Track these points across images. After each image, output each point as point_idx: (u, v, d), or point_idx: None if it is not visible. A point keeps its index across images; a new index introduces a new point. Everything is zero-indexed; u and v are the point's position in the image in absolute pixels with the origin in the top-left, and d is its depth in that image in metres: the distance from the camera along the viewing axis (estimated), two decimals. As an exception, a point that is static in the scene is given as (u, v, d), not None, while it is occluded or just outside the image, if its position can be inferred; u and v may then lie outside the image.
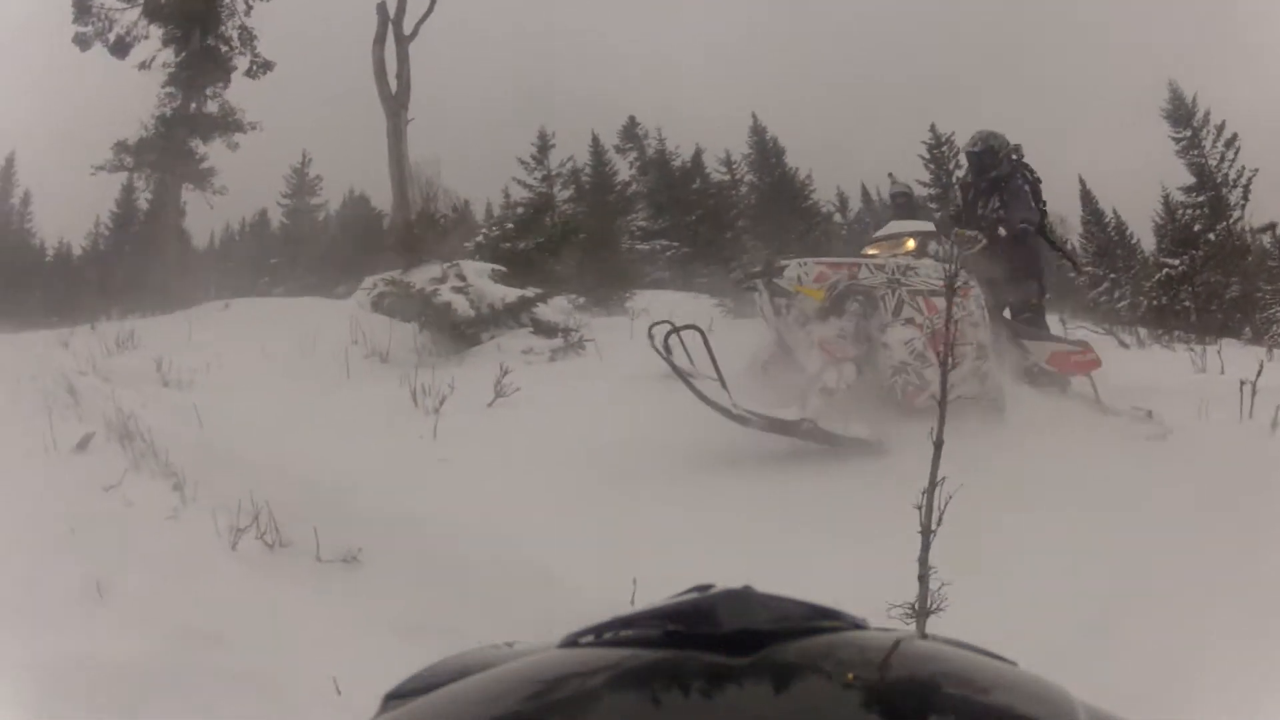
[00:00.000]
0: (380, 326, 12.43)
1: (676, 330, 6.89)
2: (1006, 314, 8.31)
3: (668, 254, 41.64)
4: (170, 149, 28.13)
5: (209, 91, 29.21)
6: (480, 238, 15.28)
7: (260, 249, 51.27)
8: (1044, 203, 8.71)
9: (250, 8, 29.77)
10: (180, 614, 4.05)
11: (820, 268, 6.93)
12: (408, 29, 24.26)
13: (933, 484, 3.37)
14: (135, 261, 38.03)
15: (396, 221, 21.18)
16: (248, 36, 29.81)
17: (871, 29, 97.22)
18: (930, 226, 7.85)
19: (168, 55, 29.47)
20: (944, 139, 45.78)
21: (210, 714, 3.41)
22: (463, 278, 12.39)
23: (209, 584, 4.50)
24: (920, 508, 3.36)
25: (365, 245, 46.77)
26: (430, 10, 24.45)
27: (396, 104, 23.48)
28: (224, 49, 29.57)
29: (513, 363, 10.37)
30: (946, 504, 3.38)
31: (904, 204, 8.66)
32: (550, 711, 0.74)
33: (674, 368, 6.64)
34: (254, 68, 29.88)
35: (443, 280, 12.36)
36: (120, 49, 29.03)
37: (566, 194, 48.05)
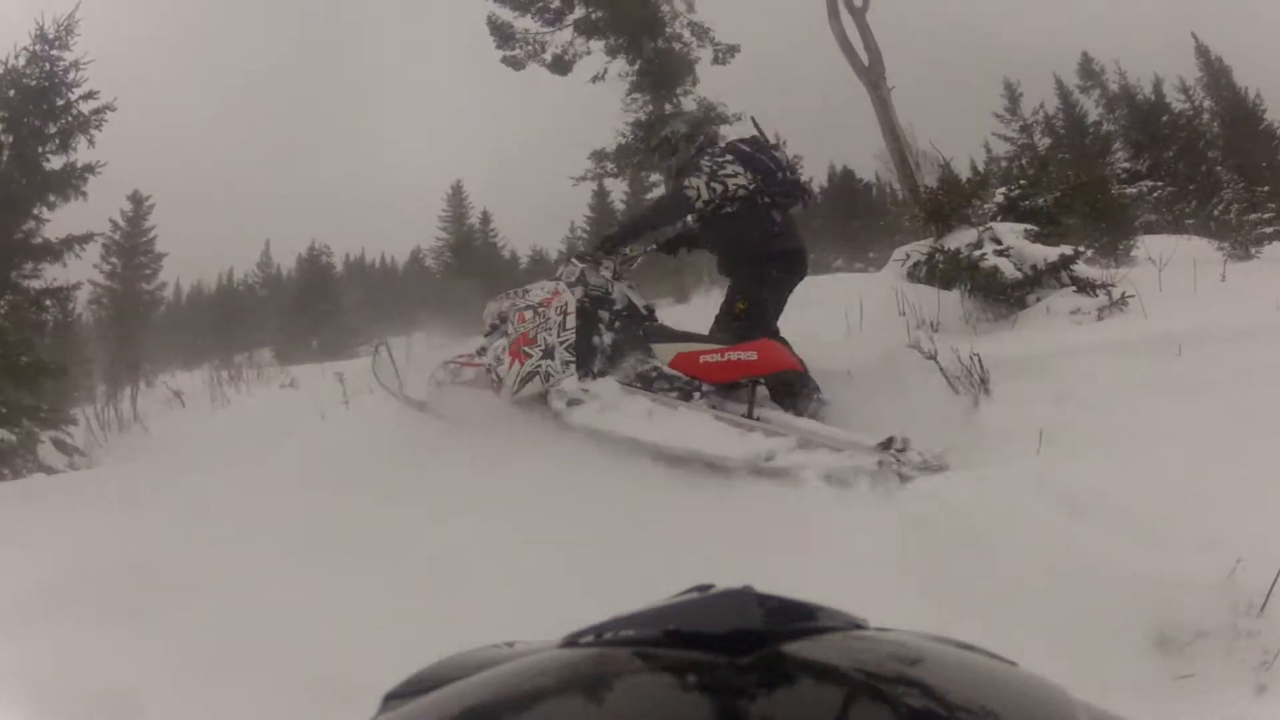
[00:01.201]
0: (920, 295, 12.46)
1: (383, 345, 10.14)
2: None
3: (1154, 195, 39.18)
4: (654, 150, 28.91)
5: (679, 90, 30.28)
6: (1000, 197, 14.97)
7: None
8: (773, 170, 8.00)
9: (692, 5, 30.74)
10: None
11: (492, 303, 8.39)
12: (857, 1, 24.16)
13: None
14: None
15: (908, 190, 21.07)
16: (700, 30, 30.75)
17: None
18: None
19: (617, 65, 31.13)
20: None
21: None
22: (998, 240, 12.23)
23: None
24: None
25: (857, 219, 47.41)
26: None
27: (873, 75, 23.42)
28: (678, 46, 30.66)
29: (1061, 324, 10.17)
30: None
31: None
32: (550, 711, 0.76)
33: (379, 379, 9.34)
34: (719, 55, 30.76)
35: (979, 245, 12.31)
36: (560, 67, 30.95)
37: (1046, 142, 45.54)
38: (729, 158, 7.82)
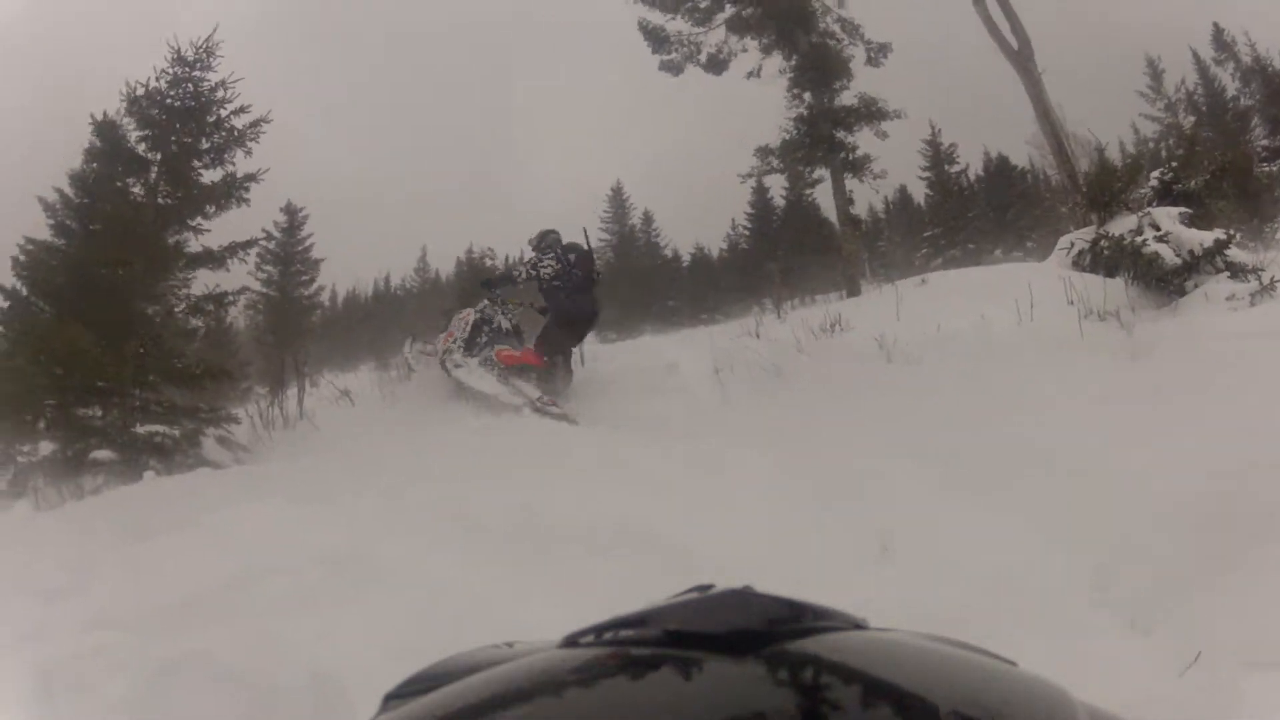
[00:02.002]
0: (1087, 284, 12.43)
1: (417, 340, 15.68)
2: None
3: (1292, 172, 37.09)
4: (818, 144, 29.46)
5: (837, 85, 30.00)
6: (1154, 181, 14.74)
7: (909, 223, 52.12)
8: (569, 266, 13.68)
9: (841, 2, 30.59)
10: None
11: (453, 317, 14.88)
12: None
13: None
14: (792, 252, 40.58)
15: (1064, 178, 20.82)
16: (850, 27, 30.60)
17: None
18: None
19: (773, 62, 31.00)
20: None
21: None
22: (1157, 226, 12.36)
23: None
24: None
25: (1013, 206, 46.54)
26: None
27: (1023, 58, 23.05)
28: (831, 43, 30.42)
29: (1218, 310, 10.36)
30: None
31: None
32: (550, 711, 0.77)
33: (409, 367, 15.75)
34: (871, 55, 30.67)
35: (1139, 231, 12.41)
36: (716, 66, 31.20)
37: (1190, 120, 43.87)
38: (551, 255, 13.77)
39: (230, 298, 15.56)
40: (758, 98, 31.71)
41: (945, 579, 5.21)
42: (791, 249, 45.75)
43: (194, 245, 15.27)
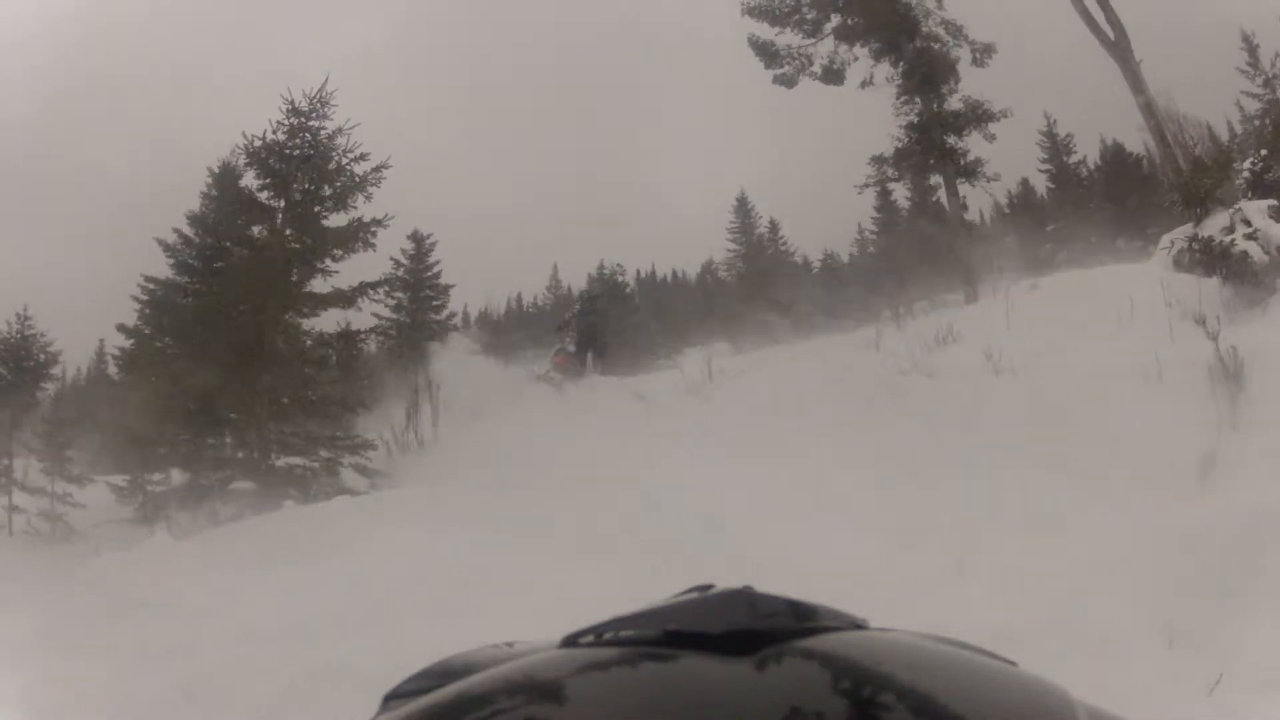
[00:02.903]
0: (1186, 285, 12.35)
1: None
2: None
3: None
4: (930, 151, 29.50)
5: (945, 89, 29.93)
6: (1246, 173, 14.65)
7: (1032, 219, 51.18)
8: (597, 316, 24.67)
9: (941, 2, 30.44)
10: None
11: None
12: None
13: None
14: (914, 256, 40.32)
15: (1168, 172, 20.52)
16: (954, 29, 30.43)
17: None
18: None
19: (883, 70, 30.82)
20: None
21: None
22: (1248, 222, 12.22)
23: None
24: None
25: (1133, 194, 45.41)
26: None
27: (1120, 49, 22.87)
28: (936, 46, 30.29)
29: None
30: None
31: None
32: (550, 711, 0.76)
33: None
34: (976, 56, 30.43)
35: (1230, 229, 12.29)
36: (832, 77, 31.12)
37: None
38: (578, 307, 25.61)
39: (362, 336, 16.52)
40: (876, 103, 31.52)
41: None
42: (917, 252, 45.48)
43: (323, 286, 16.09)
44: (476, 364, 22.85)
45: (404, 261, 39.88)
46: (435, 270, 43.77)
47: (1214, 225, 13.14)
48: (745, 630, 0.80)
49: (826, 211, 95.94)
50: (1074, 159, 54.65)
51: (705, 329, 39.56)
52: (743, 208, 61.46)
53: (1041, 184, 56.20)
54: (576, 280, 65.41)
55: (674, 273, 73.46)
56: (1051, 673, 0.81)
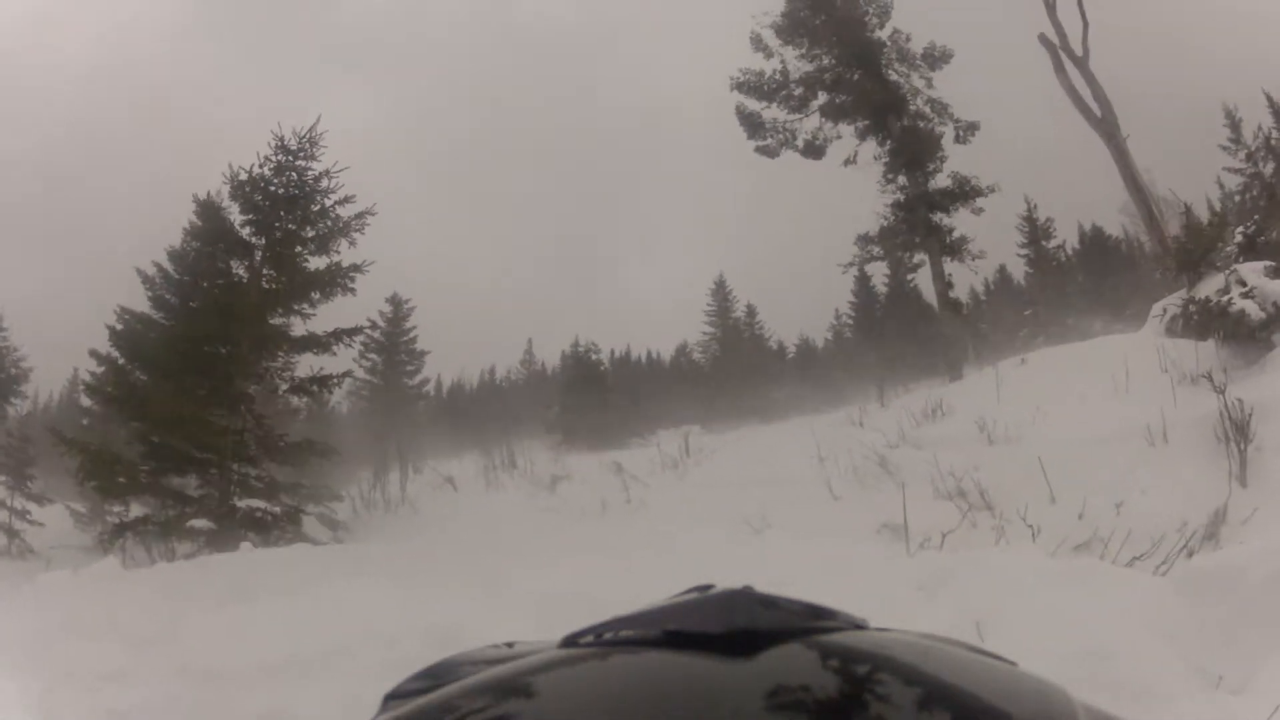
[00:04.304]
0: (1181, 350, 12.48)
1: None
2: None
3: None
4: (916, 229, 29.77)
5: (930, 167, 30.30)
6: (1239, 238, 14.61)
7: (1009, 303, 51.48)
8: None
9: (930, 82, 31.17)
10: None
11: None
12: (1077, 50, 24.28)
13: None
14: (894, 338, 40.53)
15: (1155, 244, 20.80)
16: (939, 107, 31.05)
17: None
18: None
19: (868, 148, 31.32)
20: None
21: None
22: (1243, 282, 12.11)
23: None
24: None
25: (1111, 277, 45.87)
26: (1086, 24, 24.41)
27: (1107, 126, 23.24)
28: (922, 124, 30.84)
29: None
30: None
31: None
32: (550, 711, 0.77)
33: None
34: (960, 133, 30.95)
35: (1226, 290, 12.22)
36: (813, 152, 31.81)
37: (1271, 168, 43.27)
38: None
39: (335, 380, 15.89)
40: (855, 186, 32.16)
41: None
42: (895, 336, 45.73)
43: (299, 329, 15.67)
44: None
45: (381, 324, 39.84)
46: (411, 335, 43.83)
47: (1209, 288, 13.22)
48: (745, 630, 0.78)
49: (803, 296, 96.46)
50: (1053, 243, 54.98)
51: (679, 410, 39.67)
52: (720, 290, 61.70)
53: (1019, 269, 56.51)
54: (550, 356, 65.78)
55: (649, 353, 73.59)
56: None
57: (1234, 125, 44.49)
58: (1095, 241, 54.66)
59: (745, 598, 0.83)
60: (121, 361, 14.67)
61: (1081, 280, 49.60)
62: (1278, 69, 42.86)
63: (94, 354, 14.81)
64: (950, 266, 30.09)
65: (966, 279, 52.82)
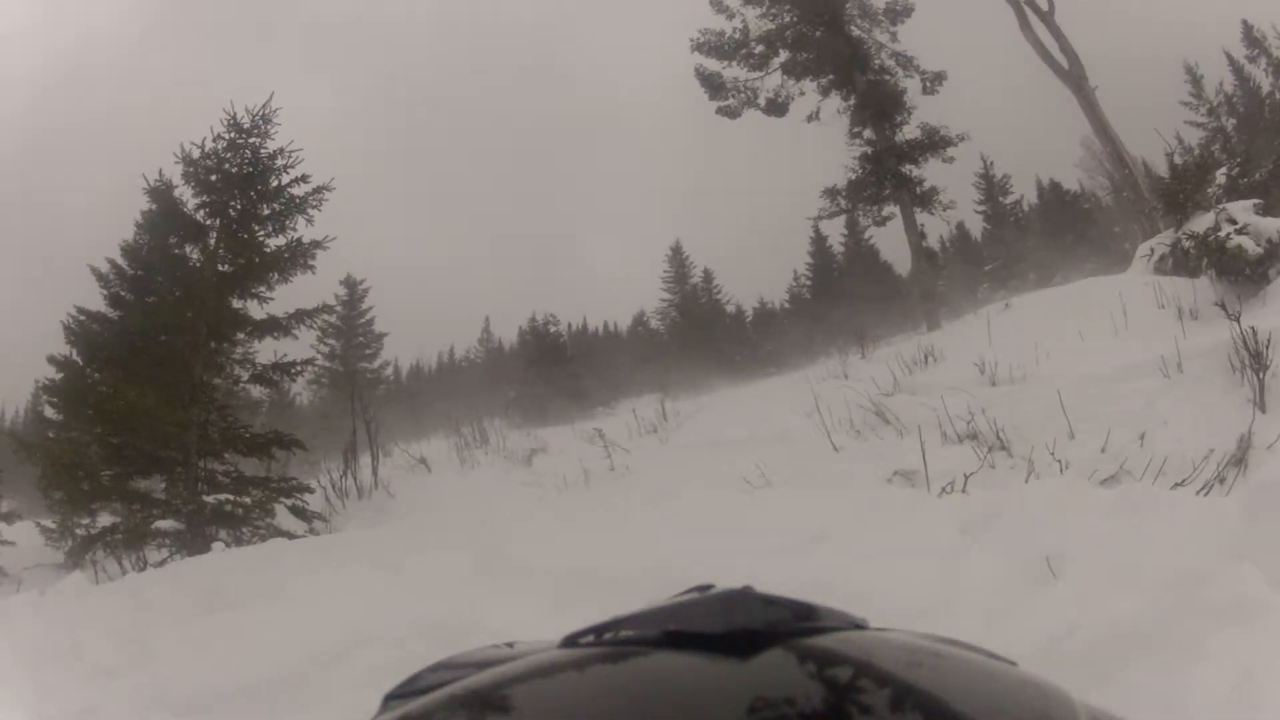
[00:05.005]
0: (1176, 287, 12.58)
1: None
2: None
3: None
4: (885, 180, 29.92)
5: (898, 119, 30.44)
6: (1221, 178, 15.29)
7: (967, 259, 51.85)
8: None
9: (894, 36, 31.22)
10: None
11: None
12: (1043, 4, 24.66)
13: None
14: (855, 297, 40.62)
15: (1129, 187, 21.85)
16: (904, 60, 31.11)
17: None
18: None
19: (831, 103, 31.49)
20: None
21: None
22: (1233, 220, 12.35)
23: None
24: None
25: (1069, 231, 46.35)
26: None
27: (1075, 77, 23.60)
28: (887, 78, 30.90)
29: None
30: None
31: None
32: (550, 711, 0.76)
33: None
34: (926, 84, 31.07)
35: (1217, 228, 12.43)
36: (776, 109, 31.89)
37: (1232, 122, 44.32)
38: None
39: (298, 367, 15.40)
40: (810, 147, 32.45)
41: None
42: (855, 295, 46.01)
43: (259, 313, 15.12)
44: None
45: (337, 308, 39.25)
46: (369, 317, 43.47)
47: (1198, 227, 13.45)
48: (745, 630, 0.79)
49: (759, 260, 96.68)
50: (1011, 199, 55.34)
51: (641, 379, 39.60)
52: (677, 256, 62.05)
53: (976, 226, 56.92)
54: (508, 333, 65.62)
55: (605, 325, 73.57)
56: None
57: (1195, 81, 45.42)
58: (1054, 197, 55.15)
59: (745, 598, 0.84)
60: (79, 362, 14.07)
61: (1040, 236, 50.04)
62: (1236, 28, 43.78)
63: (52, 360, 14.23)
64: (921, 218, 30.26)
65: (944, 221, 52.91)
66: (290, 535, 11.73)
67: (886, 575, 5.42)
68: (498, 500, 11.23)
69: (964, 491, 7.92)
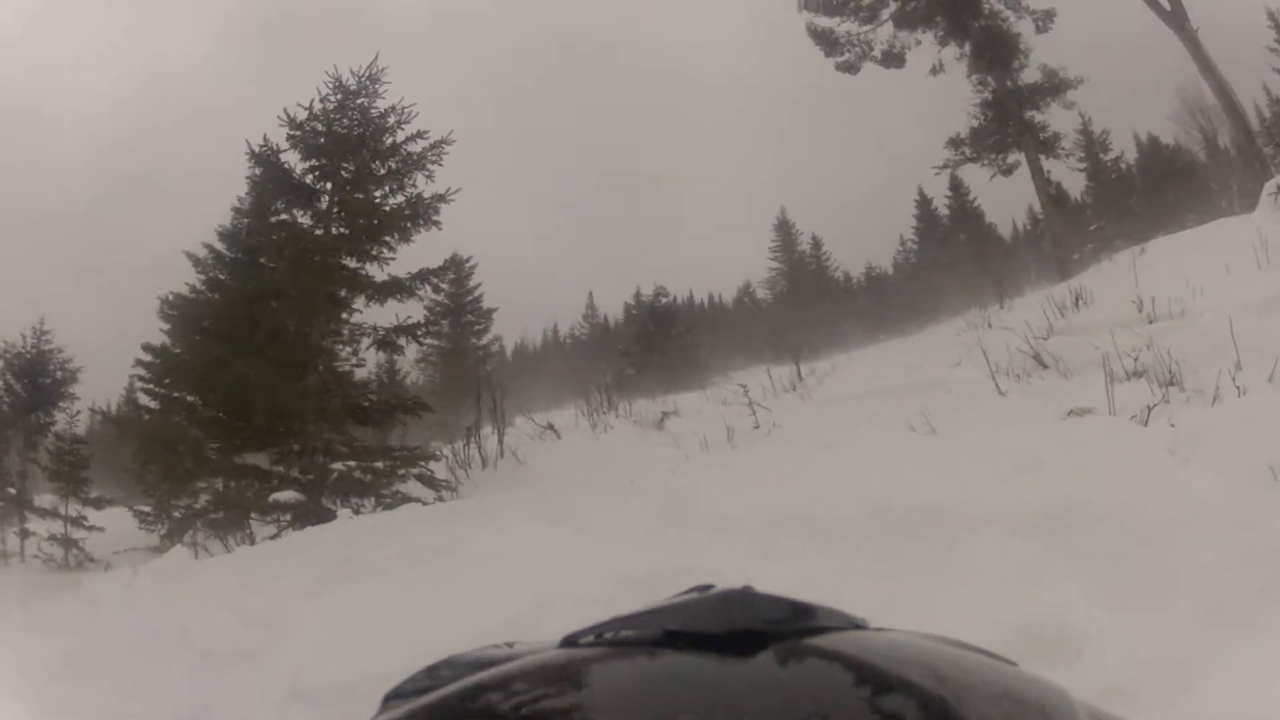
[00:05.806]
0: None
1: None
2: None
3: None
4: (1008, 126, 29.17)
5: (1015, 64, 29.57)
6: None
7: (1070, 220, 50.40)
8: None
9: None
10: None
11: None
12: None
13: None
14: (966, 259, 39.44)
15: (1239, 130, 21.27)
16: (1013, 2, 29.84)
17: None
18: None
19: (950, 53, 30.53)
20: None
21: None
22: None
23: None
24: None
25: (1172, 181, 44.82)
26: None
27: (1177, 18, 22.96)
28: (999, 23, 29.81)
29: None
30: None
31: None
32: (550, 711, 0.72)
33: None
34: (1038, 23, 29.86)
35: None
36: (892, 60, 31.04)
37: None
38: None
39: (423, 329, 14.74)
40: (910, 104, 32.01)
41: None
42: (965, 257, 45.03)
43: (379, 275, 14.49)
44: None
45: (444, 286, 38.89)
46: (477, 294, 43.16)
47: None
48: (745, 630, 0.78)
49: (859, 228, 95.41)
50: (1110, 155, 53.48)
51: (750, 348, 38.91)
52: (784, 226, 61.47)
53: (1076, 185, 55.25)
54: (613, 309, 65.21)
55: (710, 296, 72.98)
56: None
57: (1278, 27, 43.52)
58: (1153, 150, 53.36)
59: (745, 597, 0.83)
60: (174, 347, 14.06)
61: (1141, 192, 48.41)
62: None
63: (147, 347, 14.11)
64: (1047, 165, 29.40)
65: (1026, 199, 51.48)
66: (423, 502, 10.95)
67: (1129, 491, 4.97)
68: (643, 461, 10.54)
69: (1145, 424, 7.20)
